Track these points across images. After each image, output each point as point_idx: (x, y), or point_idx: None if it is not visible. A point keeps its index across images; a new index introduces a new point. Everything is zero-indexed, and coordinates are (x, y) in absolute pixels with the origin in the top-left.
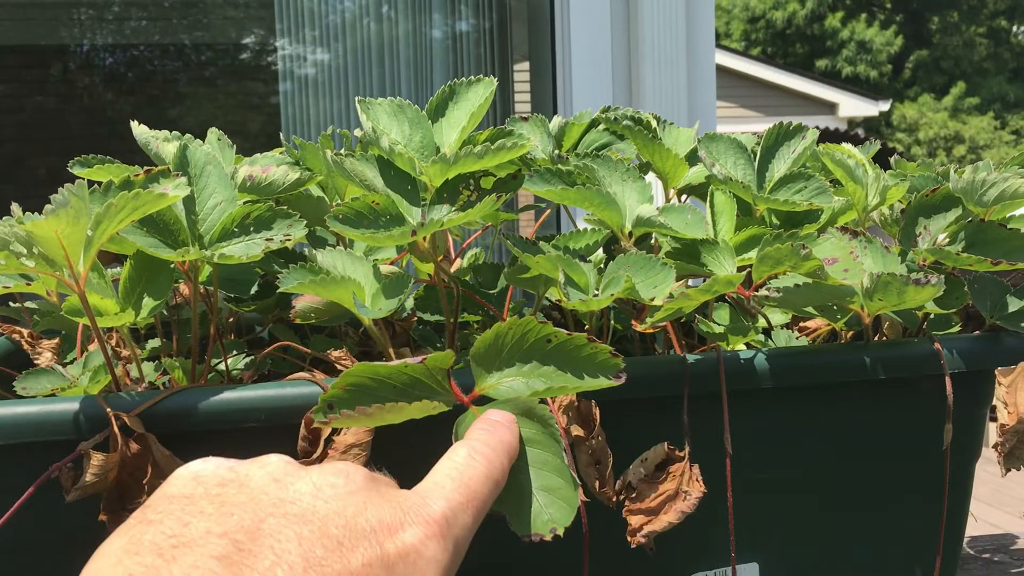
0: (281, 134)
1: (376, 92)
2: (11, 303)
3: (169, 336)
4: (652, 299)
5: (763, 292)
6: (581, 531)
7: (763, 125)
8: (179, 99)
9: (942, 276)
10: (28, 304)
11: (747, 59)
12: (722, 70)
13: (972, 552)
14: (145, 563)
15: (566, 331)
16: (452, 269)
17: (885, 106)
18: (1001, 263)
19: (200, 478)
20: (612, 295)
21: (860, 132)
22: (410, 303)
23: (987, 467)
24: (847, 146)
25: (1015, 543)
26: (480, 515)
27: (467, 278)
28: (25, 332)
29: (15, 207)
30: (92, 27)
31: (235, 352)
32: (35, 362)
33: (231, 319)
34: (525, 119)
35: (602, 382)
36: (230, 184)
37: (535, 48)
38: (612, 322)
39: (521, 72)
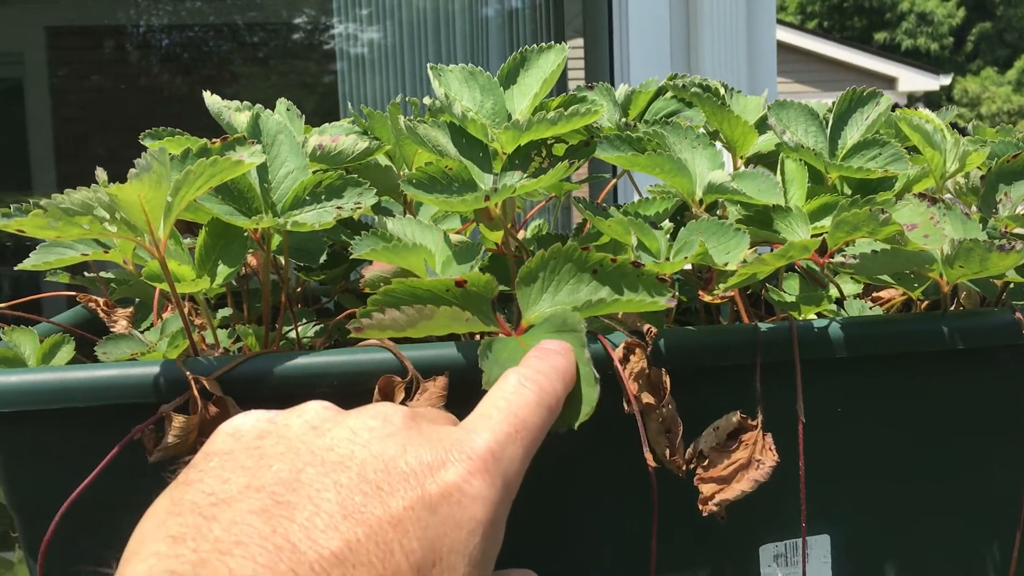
0: (340, 111)
1: None
2: (86, 273)
3: (238, 305)
4: (726, 264)
5: (838, 259)
6: (650, 502)
7: (820, 100)
8: (234, 79)
9: None
10: (103, 274)
11: (803, 33)
12: (777, 44)
13: None
14: (186, 523)
15: (612, 256)
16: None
17: (946, 80)
18: None
19: (239, 433)
20: (685, 258)
21: (920, 107)
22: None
23: None
24: (925, 111)
25: None
26: (533, 446)
27: (532, 248)
28: (101, 300)
29: (100, 172)
30: (149, 8)
31: (304, 320)
32: (111, 329)
33: (299, 289)
34: (591, 87)
35: (649, 300)
36: (301, 153)
37: (590, 22)
38: (676, 293)
39: (573, 48)
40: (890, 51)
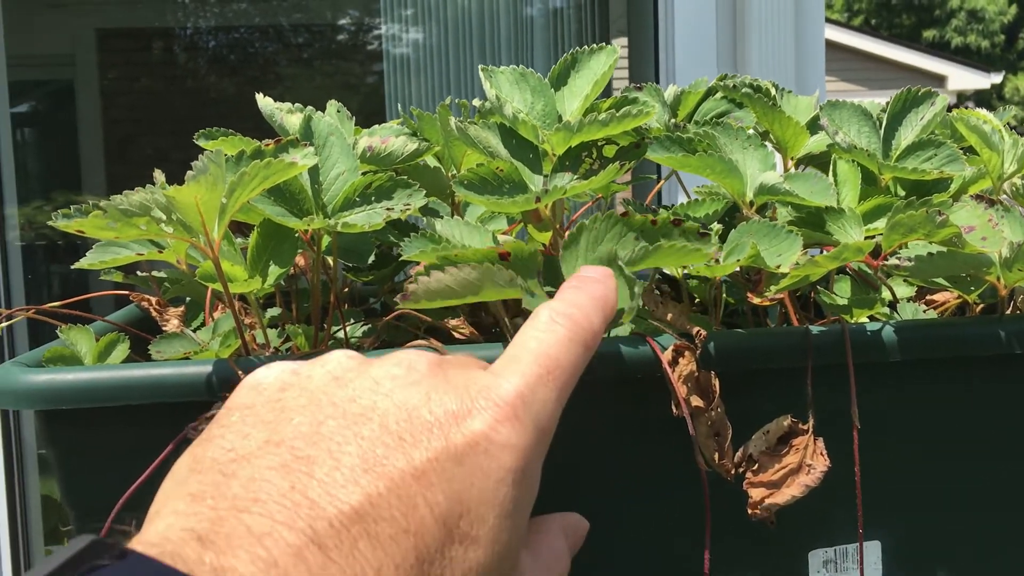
0: (386, 111)
1: (476, 70)
2: (138, 272)
3: (287, 305)
4: (778, 267)
5: (893, 261)
6: (701, 506)
7: (867, 99)
8: (279, 80)
9: None
10: (155, 273)
11: (850, 31)
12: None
13: None
14: (206, 481)
15: (653, 218)
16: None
17: (997, 78)
18: None
19: (261, 386)
20: (737, 261)
21: (971, 105)
22: None
23: None
24: (982, 111)
25: None
26: (567, 386)
27: None
28: (153, 300)
29: (158, 174)
30: (195, 10)
31: (352, 321)
32: (163, 328)
33: (346, 289)
34: (639, 88)
35: (692, 247)
36: (352, 154)
37: (635, 21)
38: (724, 295)
39: (621, 49)
40: (939, 48)
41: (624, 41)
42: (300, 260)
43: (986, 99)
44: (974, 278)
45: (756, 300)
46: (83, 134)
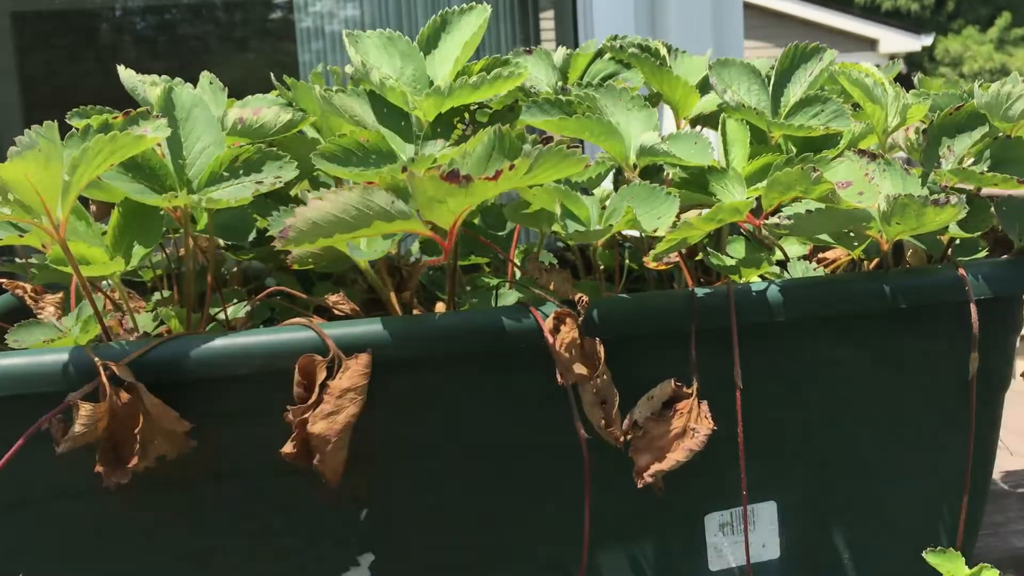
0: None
1: None
2: (16, 259)
3: (178, 289)
4: (655, 230)
5: (774, 220)
6: (596, 474)
7: None
8: (210, 62)
9: (963, 196)
10: (32, 259)
11: None
12: (752, 8)
13: (1007, 487)
14: None
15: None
16: None
17: (928, 40)
18: None
19: None
20: (611, 226)
21: (917, 75)
22: (417, 248)
23: None
24: (865, 64)
25: None
26: None
27: (476, 220)
28: (28, 287)
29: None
30: None
31: (235, 301)
32: (38, 316)
33: (235, 269)
34: (529, 52)
35: (569, 156)
36: (217, 126)
37: None
38: (627, 261)
39: (545, 20)
40: (871, 12)
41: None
42: (192, 241)
43: (918, 61)
44: (857, 233)
45: (652, 264)
46: (2, 122)
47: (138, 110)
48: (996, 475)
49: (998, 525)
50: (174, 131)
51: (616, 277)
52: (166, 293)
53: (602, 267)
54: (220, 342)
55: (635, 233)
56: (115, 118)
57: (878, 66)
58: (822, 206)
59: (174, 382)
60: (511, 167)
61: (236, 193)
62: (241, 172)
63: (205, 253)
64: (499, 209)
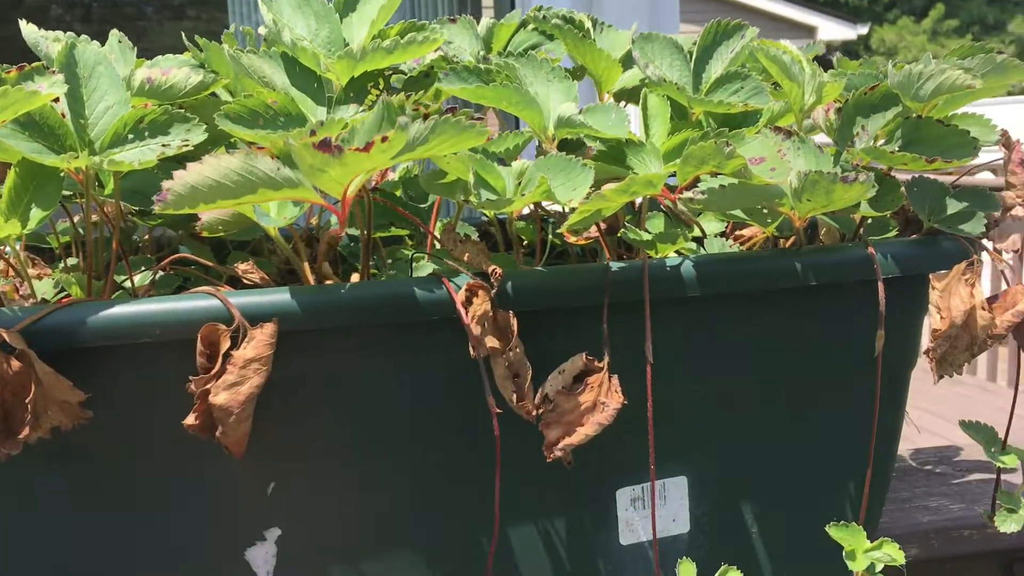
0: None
1: None
2: None
3: (84, 257)
4: (570, 201)
5: (688, 195)
6: (508, 449)
7: None
8: (145, 29)
9: (871, 174)
10: None
11: None
12: None
13: (914, 464)
14: None
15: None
16: (381, 182)
17: (864, 29)
18: (936, 160)
19: None
20: (524, 195)
21: (836, 55)
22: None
23: (952, 385)
24: (783, 42)
25: (958, 455)
26: None
27: (398, 192)
28: None
29: None
30: None
31: (143, 269)
32: None
33: (147, 236)
34: (453, 20)
35: (468, 128)
36: (123, 86)
37: None
38: (550, 237)
39: None
40: (809, 0)
41: None
42: (108, 208)
43: (853, 50)
44: (770, 210)
45: (572, 239)
46: None
47: (33, 64)
48: (904, 452)
49: (904, 501)
50: (75, 89)
51: (538, 252)
52: (73, 261)
53: (525, 242)
54: (119, 309)
55: (559, 208)
56: (8, 72)
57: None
58: (734, 181)
59: (70, 350)
60: (383, 139)
61: (140, 155)
62: (147, 134)
63: (111, 219)
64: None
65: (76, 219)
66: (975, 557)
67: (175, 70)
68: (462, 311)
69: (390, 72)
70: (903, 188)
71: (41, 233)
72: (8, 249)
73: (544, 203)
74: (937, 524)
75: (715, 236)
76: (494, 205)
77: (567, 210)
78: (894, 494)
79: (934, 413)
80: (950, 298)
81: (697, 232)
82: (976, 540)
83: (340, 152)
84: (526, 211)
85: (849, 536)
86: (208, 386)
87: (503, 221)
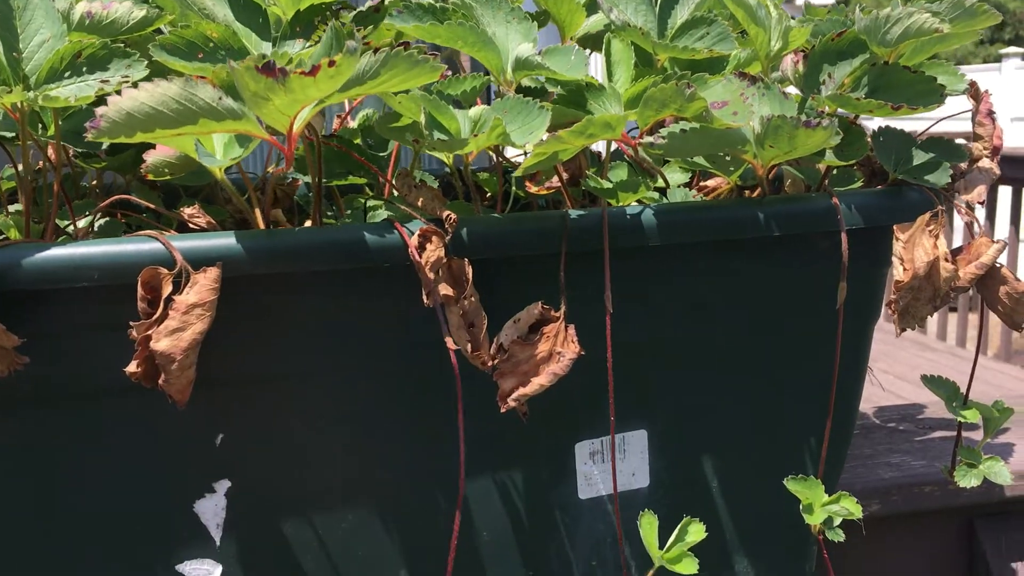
0: None
1: None
2: None
3: (36, 203)
4: (525, 144)
5: (648, 139)
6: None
7: None
8: None
9: (835, 120)
10: None
11: None
12: None
13: (877, 421)
14: None
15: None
16: (339, 129)
17: None
18: (902, 107)
19: None
20: (477, 136)
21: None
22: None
23: (921, 350)
24: None
25: (922, 412)
26: None
27: (356, 140)
28: None
29: None
30: None
31: (87, 213)
32: None
33: (95, 182)
34: None
35: (422, 63)
36: (58, 19)
37: None
38: (513, 188)
39: None
40: None
41: None
42: (51, 153)
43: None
44: (733, 158)
45: (533, 189)
46: None
47: None
48: (868, 410)
49: (867, 457)
50: (8, 20)
51: (499, 203)
52: (17, 207)
53: (488, 194)
54: (56, 251)
55: (522, 160)
56: None
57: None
58: (695, 125)
59: (6, 293)
60: (331, 63)
61: (78, 91)
62: (84, 69)
63: (52, 161)
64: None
65: (20, 167)
66: (936, 513)
67: (116, 4)
68: (415, 256)
69: (338, 6)
70: (869, 138)
71: None
72: None
73: (508, 155)
74: (899, 480)
75: (678, 187)
76: (447, 146)
77: (524, 154)
78: (856, 450)
79: (901, 377)
80: (914, 249)
81: (661, 183)
82: (937, 496)
83: (284, 76)
84: (489, 163)
85: (807, 490)
86: (149, 332)
87: (463, 173)
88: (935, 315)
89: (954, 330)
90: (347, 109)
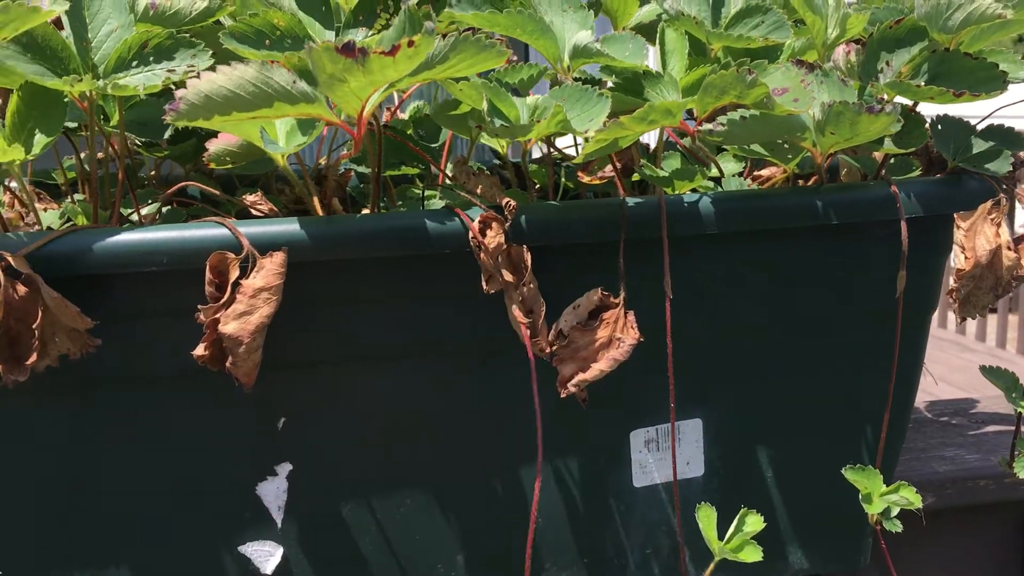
0: None
1: None
2: None
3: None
4: (586, 131)
5: (707, 126)
6: (520, 388)
7: None
8: None
9: (897, 106)
10: None
11: None
12: None
13: (930, 416)
14: None
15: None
16: (391, 119)
17: None
18: (964, 94)
19: None
20: (538, 121)
21: None
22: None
23: (961, 351)
24: None
25: (974, 407)
26: None
27: (409, 131)
28: None
29: None
30: None
31: (150, 201)
32: None
33: (153, 172)
34: None
35: (489, 48)
36: (126, 9)
37: None
38: (563, 180)
39: None
40: None
41: None
42: (115, 143)
43: None
44: (791, 145)
45: (586, 179)
46: None
47: None
48: (919, 404)
49: (920, 451)
50: (78, 10)
51: (550, 195)
52: (80, 197)
53: (537, 185)
54: (126, 236)
55: (572, 153)
56: None
57: None
58: (757, 113)
59: (78, 277)
60: (410, 43)
61: (146, 80)
62: (151, 59)
63: (117, 150)
64: (432, 120)
65: (83, 155)
66: (992, 507)
67: None
68: (476, 242)
69: None
70: (927, 127)
71: (47, 169)
72: (15, 184)
73: (557, 147)
74: (953, 474)
75: (733, 176)
76: (509, 132)
77: (582, 142)
78: (910, 444)
79: (942, 378)
80: (975, 238)
81: (715, 172)
82: (992, 490)
83: (364, 56)
84: (538, 154)
85: (865, 479)
86: (217, 315)
87: (516, 165)
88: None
89: (994, 331)
90: (396, 103)
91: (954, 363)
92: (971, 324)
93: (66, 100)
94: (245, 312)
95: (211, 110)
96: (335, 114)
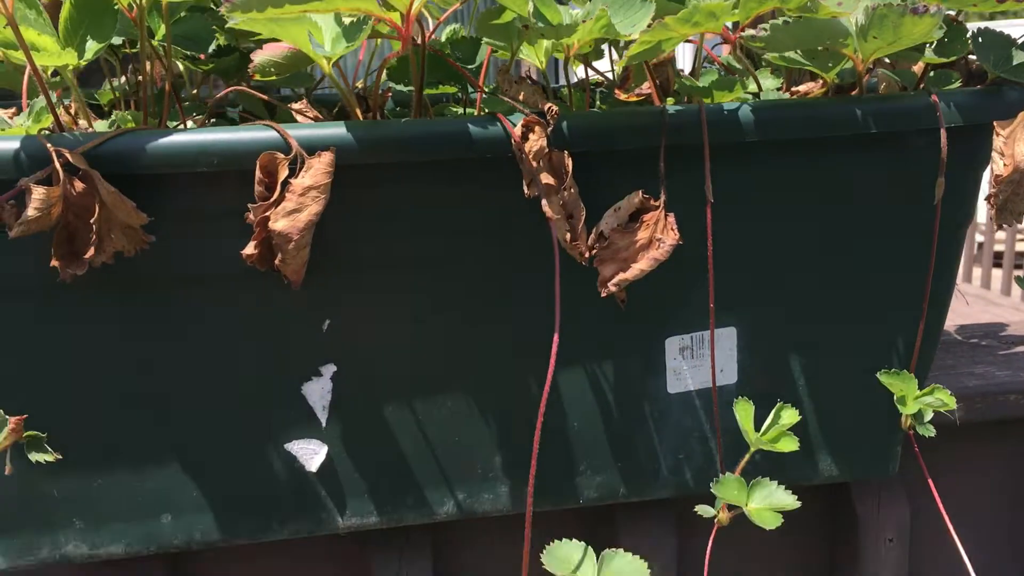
0: None
1: None
2: None
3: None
4: (629, 34)
5: (750, 31)
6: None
7: None
8: None
9: (941, 8)
10: None
11: None
12: None
13: (959, 338)
14: None
15: None
16: (429, 39)
17: None
18: (1008, 1)
19: None
20: (580, 24)
21: None
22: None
23: (986, 305)
24: None
25: (1004, 330)
26: None
27: (447, 50)
28: None
29: None
30: None
31: (196, 114)
32: None
33: (195, 92)
34: None
35: None
36: None
37: None
38: (599, 103)
39: None
40: None
41: None
42: (159, 66)
43: None
44: (832, 53)
45: (623, 96)
46: None
47: None
48: (950, 327)
49: (950, 367)
50: None
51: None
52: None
53: (572, 108)
54: (179, 137)
55: (608, 76)
56: None
57: None
58: (800, 17)
59: (131, 176)
60: None
61: None
62: None
63: (163, 62)
64: (471, 42)
65: (126, 76)
66: (1020, 420)
67: None
68: (518, 146)
69: None
70: (968, 38)
71: (90, 91)
72: (69, 88)
73: (595, 68)
74: (983, 388)
75: (771, 91)
76: (554, 33)
77: (626, 44)
78: (940, 361)
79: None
80: (1014, 145)
81: (753, 88)
82: (1022, 404)
83: None
84: (573, 79)
85: (900, 382)
86: (267, 213)
87: (555, 90)
88: (1000, 271)
89: (1017, 288)
90: (432, 26)
91: (980, 317)
92: (996, 279)
93: (115, 7)
94: (295, 210)
95: (264, 3)
96: (383, 10)
